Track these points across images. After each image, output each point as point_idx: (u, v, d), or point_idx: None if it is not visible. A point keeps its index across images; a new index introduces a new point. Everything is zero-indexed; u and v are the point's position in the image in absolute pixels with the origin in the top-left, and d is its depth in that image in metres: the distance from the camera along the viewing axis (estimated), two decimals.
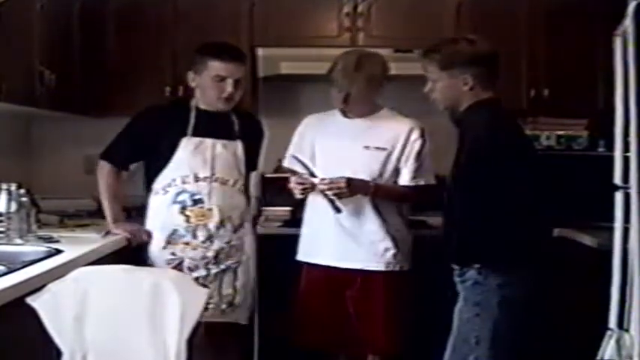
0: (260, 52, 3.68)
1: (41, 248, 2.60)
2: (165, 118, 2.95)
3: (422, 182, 2.90)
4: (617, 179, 2.38)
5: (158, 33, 3.71)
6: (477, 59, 2.50)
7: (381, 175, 2.87)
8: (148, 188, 2.94)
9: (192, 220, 2.86)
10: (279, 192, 3.77)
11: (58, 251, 2.52)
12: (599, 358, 2.32)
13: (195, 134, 2.88)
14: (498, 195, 2.39)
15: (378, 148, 2.87)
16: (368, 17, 3.73)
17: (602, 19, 3.17)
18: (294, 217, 3.64)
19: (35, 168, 3.96)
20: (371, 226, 2.88)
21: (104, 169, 2.97)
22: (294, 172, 2.92)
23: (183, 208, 2.86)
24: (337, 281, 2.89)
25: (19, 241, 2.73)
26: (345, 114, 2.94)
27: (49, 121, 3.91)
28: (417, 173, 2.89)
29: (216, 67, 2.83)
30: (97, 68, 3.68)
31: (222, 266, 2.90)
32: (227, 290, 2.91)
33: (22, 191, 2.83)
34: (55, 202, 3.52)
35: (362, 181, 2.83)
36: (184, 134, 2.87)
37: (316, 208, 2.93)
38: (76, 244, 2.67)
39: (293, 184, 2.87)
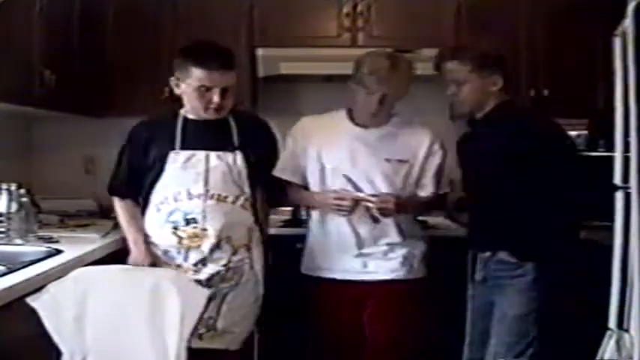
0: (260, 52, 3.68)
1: (41, 248, 2.60)
2: (152, 132, 2.67)
3: (441, 192, 2.83)
4: (617, 179, 2.38)
5: (158, 33, 3.71)
6: (503, 61, 2.60)
7: (402, 188, 2.71)
8: (145, 201, 2.68)
9: (185, 241, 2.58)
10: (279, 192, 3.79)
11: (58, 251, 2.52)
12: (599, 358, 2.32)
13: (184, 147, 2.60)
14: (554, 189, 2.44)
15: (400, 160, 2.71)
16: (368, 17, 3.73)
17: (602, 19, 3.17)
18: (295, 217, 3.64)
19: (35, 168, 3.96)
20: (391, 234, 2.74)
21: (116, 203, 2.77)
22: (289, 183, 2.80)
23: (176, 228, 2.58)
24: (356, 297, 2.73)
25: (19, 241, 2.73)
26: (353, 121, 2.76)
27: (49, 121, 3.91)
28: (439, 185, 2.79)
29: (199, 76, 2.53)
30: (97, 68, 3.67)
31: (212, 290, 2.50)
32: (209, 314, 2.50)
33: (23, 191, 2.83)
34: (55, 202, 3.53)
35: (409, 198, 2.70)
36: (173, 148, 2.60)
37: (331, 219, 2.74)
38: (76, 244, 2.68)
39: (335, 202, 2.64)
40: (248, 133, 2.68)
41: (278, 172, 2.78)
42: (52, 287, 2.10)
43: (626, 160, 2.30)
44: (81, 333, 2.08)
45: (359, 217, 2.67)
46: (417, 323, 2.77)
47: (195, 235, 2.57)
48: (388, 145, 2.72)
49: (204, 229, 2.56)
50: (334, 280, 2.75)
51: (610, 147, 2.50)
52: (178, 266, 2.59)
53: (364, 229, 2.71)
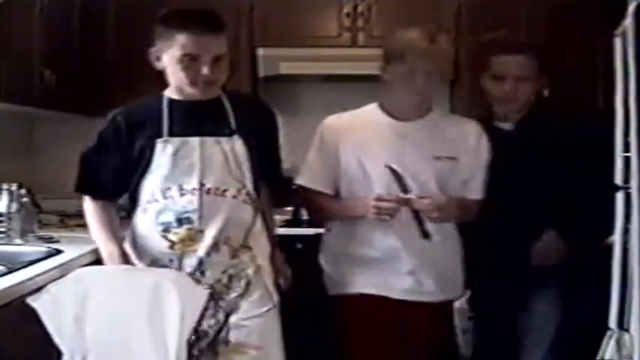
0: (260, 52, 3.68)
1: (41, 248, 2.60)
2: (135, 118, 2.25)
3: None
4: (618, 179, 2.38)
5: None
6: None
7: (455, 191, 2.38)
8: (132, 204, 2.28)
9: (178, 245, 2.16)
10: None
11: (58, 251, 2.52)
12: (599, 358, 2.32)
13: (173, 133, 2.18)
14: (599, 188, 2.39)
15: (449, 157, 2.36)
16: (368, 17, 3.73)
17: (602, 19, 3.17)
18: (295, 217, 3.64)
19: (36, 168, 3.95)
20: (453, 245, 2.42)
21: (86, 205, 2.36)
22: (317, 193, 2.45)
23: (166, 231, 2.17)
24: (403, 321, 2.37)
25: (19, 241, 2.74)
26: (390, 115, 2.41)
27: (49, 121, 3.91)
28: (485, 184, 2.44)
29: (183, 42, 2.11)
30: (97, 68, 3.67)
31: (222, 304, 2.20)
32: (221, 325, 2.21)
33: (23, 191, 2.84)
34: (55, 202, 3.53)
35: (463, 200, 2.38)
36: (159, 135, 2.18)
37: (377, 226, 2.33)
38: (76, 244, 2.68)
39: (374, 204, 2.25)
40: (246, 116, 2.27)
41: (305, 181, 2.45)
42: (52, 287, 2.10)
43: (626, 160, 2.30)
44: (81, 333, 2.08)
45: (403, 225, 2.32)
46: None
47: (190, 238, 2.17)
48: (434, 140, 2.37)
49: (201, 231, 2.16)
50: (376, 298, 2.36)
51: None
52: None
53: (422, 241, 2.35)
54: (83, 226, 3.25)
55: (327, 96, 3.84)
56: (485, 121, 2.53)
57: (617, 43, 2.37)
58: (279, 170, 2.42)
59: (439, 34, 2.32)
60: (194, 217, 2.16)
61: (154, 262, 2.20)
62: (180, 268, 2.17)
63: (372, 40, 3.68)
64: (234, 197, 2.20)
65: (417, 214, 2.30)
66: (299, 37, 3.69)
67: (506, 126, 2.58)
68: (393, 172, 2.30)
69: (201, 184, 2.16)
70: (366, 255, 2.37)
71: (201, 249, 2.16)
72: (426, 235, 2.32)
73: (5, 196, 2.77)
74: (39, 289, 2.08)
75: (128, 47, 3.71)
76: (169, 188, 2.18)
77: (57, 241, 2.75)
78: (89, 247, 2.66)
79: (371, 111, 2.44)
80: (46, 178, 3.86)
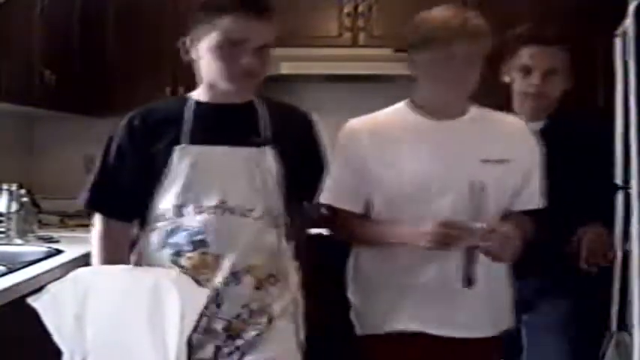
0: None
1: (41, 248, 2.60)
2: (154, 122, 1.91)
3: (541, 204, 2.03)
4: (618, 179, 2.38)
5: (158, 33, 3.70)
6: None
7: (503, 200, 1.97)
8: (140, 222, 1.95)
9: (191, 272, 1.83)
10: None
11: (58, 251, 2.52)
12: (599, 358, 2.32)
13: (194, 141, 1.84)
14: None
15: (500, 161, 1.91)
16: (369, 17, 3.72)
17: (602, 19, 3.17)
18: None
19: (36, 168, 3.95)
20: (498, 273, 1.98)
21: (97, 227, 1.99)
22: (347, 213, 2.00)
23: (178, 255, 1.83)
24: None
25: (19, 241, 2.74)
26: (425, 114, 1.98)
27: (49, 120, 3.91)
28: (541, 191, 2.02)
29: (226, 25, 1.78)
30: (97, 68, 3.67)
31: (240, 342, 1.85)
32: None
33: (23, 191, 2.84)
34: (55, 202, 3.53)
35: (523, 223, 1.95)
36: (178, 142, 1.84)
37: (416, 254, 1.88)
38: (76, 244, 2.67)
39: (438, 231, 1.79)
40: (282, 125, 1.91)
41: (332, 199, 1.99)
42: (52, 287, 2.10)
43: (626, 160, 2.30)
44: (81, 333, 2.08)
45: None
46: None
47: (205, 265, 1.82)
48: (481, 140, 1.94)
49: (217, 256, 1.81)
50: (407, 333, 1.95)
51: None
52: None
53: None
54: (83, 226, 3.27)
55: (328, 96, 3.85)
56: None
57: (617, 43, 2.37)
58: (316, 191, 1.98)
59: (470, 11, 1.95)
60: (210, 239, 1.80)
61: None
62: None
63: (372, 40, 3.67)
64: (259, 219, 1.83)
65: (470, 251, 1.84)
66: (300, 37, 3.68)
67: (534, 126, 2.21)
68: (474, 188, 1.85)
69: (222, 202, 1.81)
70: (412, 282, 1.93)
71: (218, 278, 1.81)
72: (470, 281, 1.86)
73: (5, 196, 2.78)
74: (39, 289, 2.08)
75: (128, 47, 3.71)
76: (184, 205, 1.82)
77: (57, 241, 2.75)
78: (89, 248, 2.66)
79: (400, 111, 2.01)
80: (46, 178, 3.87)
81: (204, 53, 1.84)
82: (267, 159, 1.86)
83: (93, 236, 1.97)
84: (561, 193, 2.04)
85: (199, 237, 1.81)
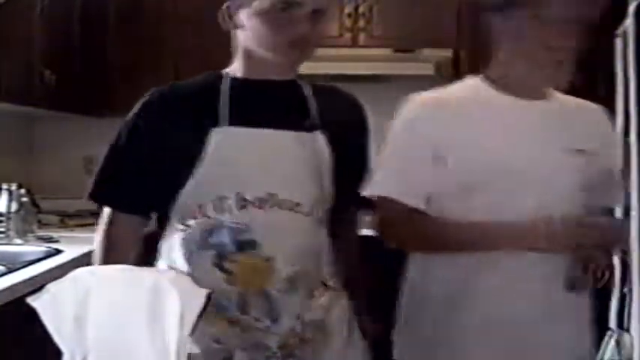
0: None
1: (41, 248, 2.60)
2: (180, 103, 1.60)
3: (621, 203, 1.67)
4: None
5: (158, 33, 3.71)
6: None
7: (584, 198, 1.64)
8: (160, 222, 1.65)
9: (239, 278, 1.52)
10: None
11: (58, 251, 2.52)
12: (599, 358, 2.32)
13: (234, 122, 1.54)
14: None
15: (583, 151, 1.63)
16: (369, 18, 3.73)
17: (602, 19, 3.17)
18: None
19: (35, 168, 3.95)
20: (582, 303, 1.67)
21: (104, 221, 1.66)
22: (410, 210, 1.60)
23: (221, 258, 1.52)
24: None
25: (19, 241, 2.74)
26: (504, 91, 1.63)
27: (49, 121, 3.91)
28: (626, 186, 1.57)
29: None
30: (97, 68, 3.68)
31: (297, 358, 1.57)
32: None
33: (23, 191, 2.84)
34: (55, 202, 3.53)
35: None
36: (215, 124, 1.53)
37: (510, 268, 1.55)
38: (76, 244, 2.67)
39: (573, 231, 1.51)
40: (331, 108, 1.65)
41: (391, 191, 1.61)
42: (52, 287, 2.10)
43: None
44: (81, 333, 2.07)
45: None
46: None
47: (255, 269, 1.52)
48: (564, 126, 1.64)
49: (268, 259, 1.52)
50: None
51: None
52: (233, 322, 1.56)
53: (551, 292, 1.59)
54: (83, 226, 3.27)
55: None
56: None
57: (618, 43, 2.37)
58: (361, 176, 1.70)
59: None
60: (259, 239, 1.51)
61: (206, 302, 1.55)
62: (243, 310, 1.54)
63: (373, 40, 3.68)
64: (308, 215, 1.55)
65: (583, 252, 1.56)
66: None
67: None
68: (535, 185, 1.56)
69: (270, 194, 1.51)
70: (495, 318, 1.56)
71: (272, 285, 1.52)
72: (572, 285, 1.56)
73: (5, 196, 2.77)
74: (39, 289, 2.08)
75: (129, 47, 3.71)
76: (225, 197, 1.51)
77: (57, 241, 2.75)
78: (89, 247, 2.66)
79: (476, 87, 1.66)
80: (46, 178, 3.87)
81: (247, 19, 1.57)
82: (319, 145, 1.57)
83: (98, 234, 1.64)
84: None
85: (246, 236, 1.50)
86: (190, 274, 1.54)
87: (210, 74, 1.65)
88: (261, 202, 1.52)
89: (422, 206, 1.60)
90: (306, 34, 1.55)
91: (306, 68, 3.76)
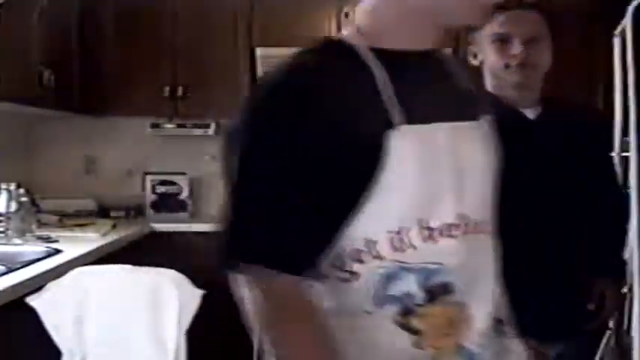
0: (259, 52, 3.68)
1: (40, 248, 2.60)
2: (328, 94, 1.03)
3: None
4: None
5: (157, 33, 3.71)
6: None
7: None
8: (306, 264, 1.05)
9: (429, 337, 1.08)
10: None
11: (57, 251, 2.52)
12: (598, 358, 2.32)
13: (409, 117, 1.04)
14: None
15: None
16: None
17: (602, 19, 3.17)
18: None
19: (35, 168, 3.95)
20: None
21: (272, 287, 1.03)
22: None
23: (406, 313, 1.07)
24: None
25: (18, 241, 2.73)
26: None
27: (48, 121, 3.91)
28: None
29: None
30: (97, 68, 3.67)
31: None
32: None
33: (22, 191, 2.83)
34: (54, 202, 3.53)
35: None
36: (386, 123, 1.03)
37: None
38: (75, 244, 2.67)
39: None
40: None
41: None
42: (51, 287, 2.10)
43: (625, 160, 2.30)
44: (80, 332, 2.08)
45: None
46: None
47: (450, 322, 1.09)
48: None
49: (464, 305, 1.10)
50: None
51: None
52: None
53: None
54: (82, 225, 3.27)
55: None
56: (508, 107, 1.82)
57: (617, 43, 2.37)
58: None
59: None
60: (453, 279, 1.08)
61: None
62: None
63: None
64: (492, 235, 1.18)
65: None
66: (299, 37, 3.67)
67: (528, 113, 1.85)
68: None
69: (460, 215, 1.08)
70: None
71: (470, 340, 1.11)
72: None
73: (4, 196, 2.77)
74: (38, 289, 2.08)
75: (127, 47, 3.71)
76: (405, 228, 1.05)
77: (56, 241, 2.74)
78: (89, 247, 2.66)
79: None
80: (45, 178, 3.86)
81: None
82: (488, 135, 1.18)
83: (260, 315, 1.02)
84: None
85: (438, 279, 1.07)
86: (357, 341, 1.07)
87: (332, 44, 1.15)
88: (452, 229, 1.07)
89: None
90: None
91: None
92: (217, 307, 2.26)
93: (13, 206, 2.78)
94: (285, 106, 1.02)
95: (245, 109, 1.06)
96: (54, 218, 3.32)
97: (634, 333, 2.16)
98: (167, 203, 3.79)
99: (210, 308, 2.16)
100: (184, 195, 3.81)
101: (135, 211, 3.72)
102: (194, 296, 2.14)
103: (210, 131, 3.77)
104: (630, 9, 2.19)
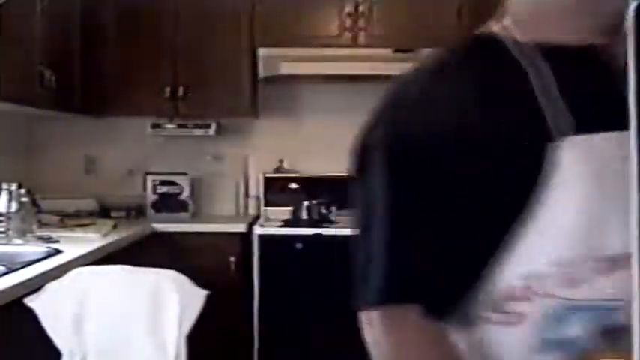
0: (260, 52, 3.68)
1: (41, 248, 2.60)
2: (481, 95, 0.91)
3: None
4: None
5: (158, 33, 3.71)
6: None
7: None
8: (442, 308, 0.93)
9: None
10: (280, 192, 3.79)
11: (58, 251, 2.52)
12: None
13: (581, 125, 0.88)
14: None
15: None
16: (369, 17, 3.72)
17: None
18: (295, 217, 3.64)
19: (35, 168, 3.95)
20: None
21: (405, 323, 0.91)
22: None
23: None
24: None
25: (18, 241, 2.73)
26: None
27: (49, 121, 3.91)
28: None
29: None
30: (97, 68, 3.67)
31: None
32: None
33: (23, 191, 2.83)
34: (55, 202, 3.53)
35: None
36: (561, 129, 0.88)
37: None
38: (75, 244, 2.67)
39: None
40: None
41: None
42: (51, 287, 2.10)
43: None
44: (80, 333, 2.08)
45: None
46: None
47: None
48: None
49: (630, 351, 0.75)
50: None
51: None
52: None
53: None
54: (83, 225, 3.27)
55: (328, 96, 3.84)
56: None
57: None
58: None
59: None
60: (629, 320, 0.79)
61: None
62: None
63: (373, 40, 3.67)
64: None
65: None
66: (300, 37, 3.68)
67: None
68: None
69: (626, 244, 0.81)
70: None
71: None
72: None
73: (4, 196, 2.77)
74: (38, 289, 2.08)
75: (128, 47, 3.71)
76: (577, 257, 0.89)
77: (56, 241, 2.74)
78: (89, 247, 2.65)
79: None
80: (46, 178, 3.86)
81: None
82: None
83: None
84: None
85: (615, 318, 0.88)
86: None
87: (472, 41, 1.05)
88: (625, 260, 0.80)
89: None
90: None
91: (305, 68, 3.76)
92: (217, 307, 2.27)
93: (14, 206, 2.78)
94: (423, 129, 0.90)
95: (377, 124, 0.94)
96: (55, 218, 3.32)
97: (634, 333, 2.16)
98: (168, 203, 3.79)
99: (210, 308, 2.16)
100: (185, 195, 3.81)
101: (136, 212, 3.72)
102: (197, 296, 2.14)
103: (211, 131, 3.77)
104: (631, 9, 2.18)
